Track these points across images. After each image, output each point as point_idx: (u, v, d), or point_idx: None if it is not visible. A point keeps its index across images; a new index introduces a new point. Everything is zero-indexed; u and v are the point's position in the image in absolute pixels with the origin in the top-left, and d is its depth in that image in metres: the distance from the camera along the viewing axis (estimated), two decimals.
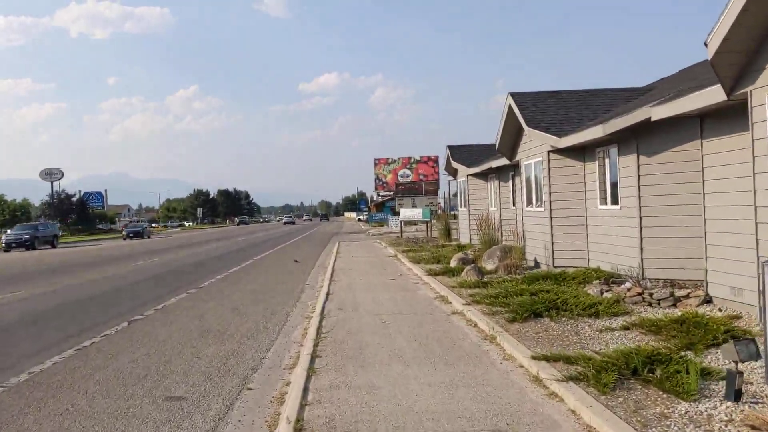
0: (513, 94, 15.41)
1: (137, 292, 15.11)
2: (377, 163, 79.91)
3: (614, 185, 12.32)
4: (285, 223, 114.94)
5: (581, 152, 13.66)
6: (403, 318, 9.79)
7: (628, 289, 10.01)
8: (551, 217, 14.16)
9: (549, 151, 14.07)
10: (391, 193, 79.73)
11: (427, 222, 34.78)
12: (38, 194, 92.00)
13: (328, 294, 12.81)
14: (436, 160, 77.64)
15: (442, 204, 76.94)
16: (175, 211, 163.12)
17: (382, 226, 60.85)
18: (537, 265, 15.38)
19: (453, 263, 16.63)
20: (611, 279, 11.30)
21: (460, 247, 22.82)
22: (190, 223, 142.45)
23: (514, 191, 20.84)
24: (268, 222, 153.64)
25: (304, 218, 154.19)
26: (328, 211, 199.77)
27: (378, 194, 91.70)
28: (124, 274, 20.15)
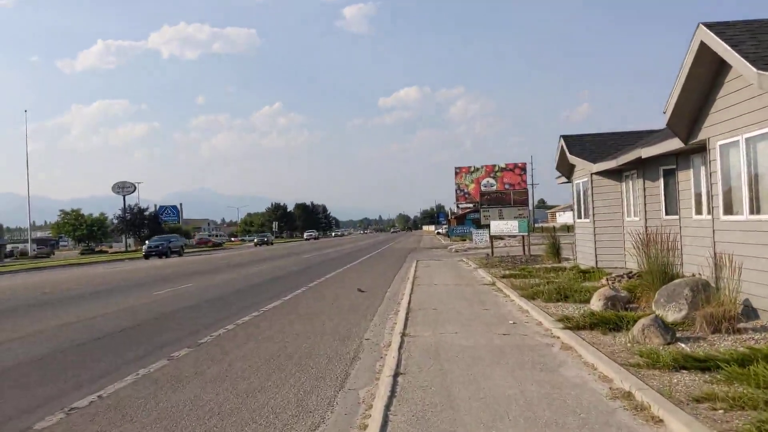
0: (708, 25, 9.16)
1: (93, 357, 9.72)
2: (458, 172, 73.73)
3: None
4: (393, 232, 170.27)
5: None
6: None
7: None
8: None
9: None
10: (473, 204, 73.24)
11: (523, 236, 28.47)
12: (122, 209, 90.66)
13: (395, 383, 6.86)
14: (523, 167, 70.88)
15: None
16: (253, 225, 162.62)
17: (464, 240, 54.51)
18: (752, 312, 9.03)
19: (595, 304, 10.52)
20: None
21: (583, 273, 16.52)
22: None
23: (667, 194, 14.44)
24: (349, 235, 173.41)
25: (391, 231, 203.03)
26: (405, 225, 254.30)
27: (458, 206, 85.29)
28: (115, 314, 14.95)
